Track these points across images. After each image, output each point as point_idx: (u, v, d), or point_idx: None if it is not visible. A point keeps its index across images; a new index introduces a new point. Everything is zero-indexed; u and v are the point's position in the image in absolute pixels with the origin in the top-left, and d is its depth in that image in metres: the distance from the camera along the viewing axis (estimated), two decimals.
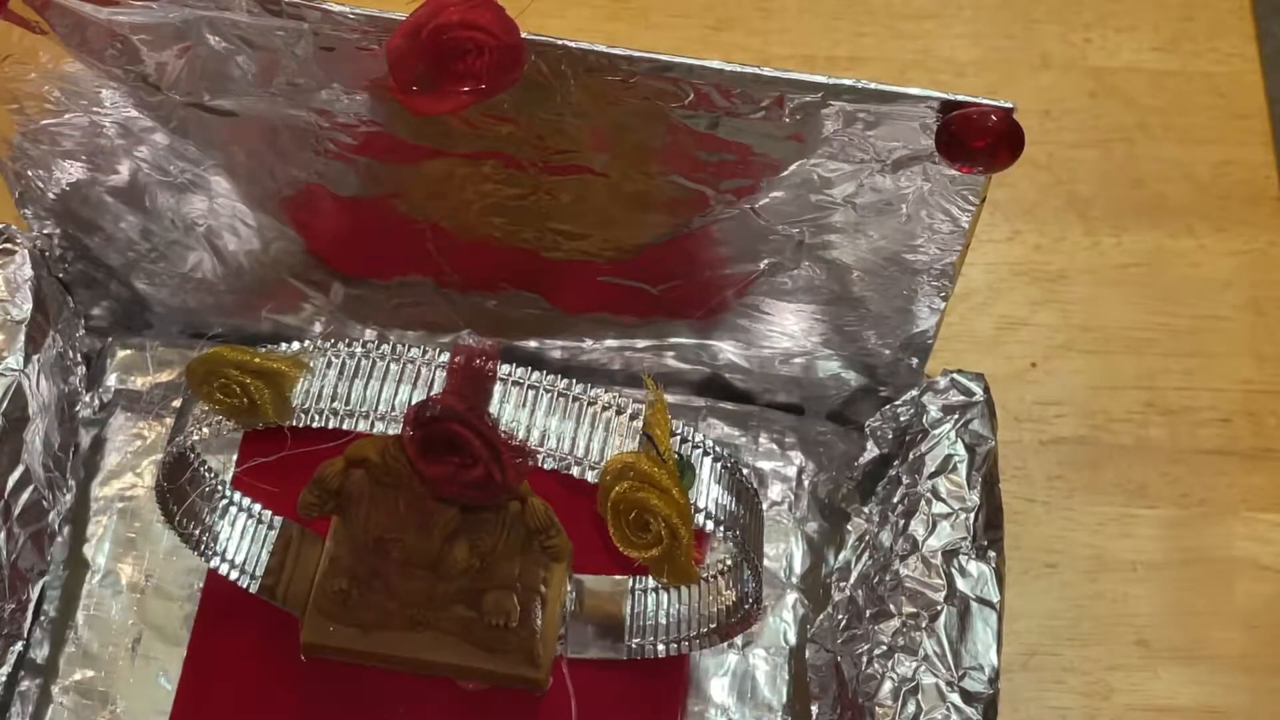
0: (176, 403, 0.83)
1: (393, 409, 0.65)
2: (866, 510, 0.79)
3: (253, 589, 0.76)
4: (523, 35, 0.63)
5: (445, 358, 0.66)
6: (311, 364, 0.66)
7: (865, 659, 0.72)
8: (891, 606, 0.73)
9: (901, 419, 0.79)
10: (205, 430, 0.67)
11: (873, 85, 0.64)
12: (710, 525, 0.65)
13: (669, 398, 0.79)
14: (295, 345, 0.67)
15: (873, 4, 0.98)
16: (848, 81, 0.64)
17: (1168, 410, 0.87)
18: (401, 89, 0.63)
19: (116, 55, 0.69)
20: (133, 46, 0.68)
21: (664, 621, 0.76)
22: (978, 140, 0.64)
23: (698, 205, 0.71)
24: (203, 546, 0.75)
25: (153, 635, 0.78)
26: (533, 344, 0.83)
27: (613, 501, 0.63)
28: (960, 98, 0.64)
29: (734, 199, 0.71)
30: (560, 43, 0.64)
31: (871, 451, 0.80)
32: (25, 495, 0.77)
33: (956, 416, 0.77)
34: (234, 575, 0.76)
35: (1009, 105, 0.63)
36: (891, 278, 0.74)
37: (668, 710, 0.77)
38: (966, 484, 0.75)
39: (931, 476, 0.75)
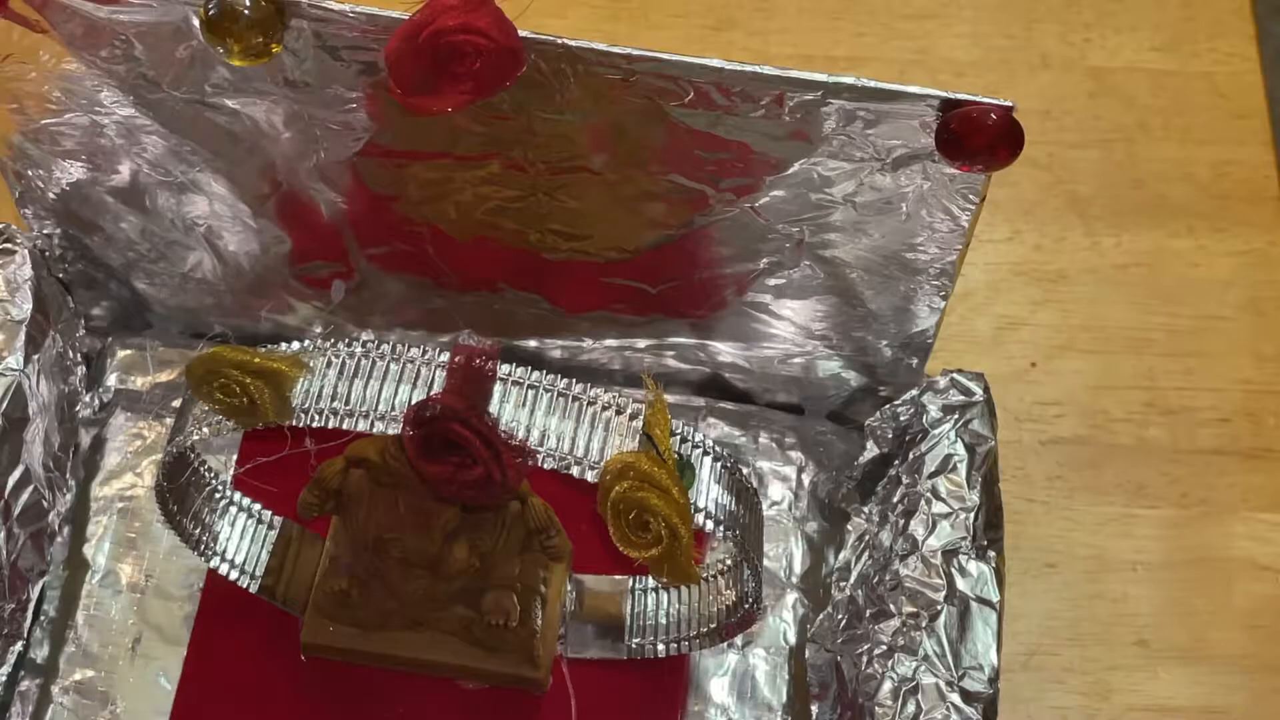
0: (176, 403, 0.83)
1: (392, 409, 0.65)
2: (866, 510, 0.79)
3: (253, 589, 0.76)
4: (522, 34, 0.63)
5: (445, 358, 0.66)
6: (311, 364, 0.66)
7: (865, 659, 0.72)
8: (891, 606, 0.73)
9: (901, 419, 0.79)
10: (205, 430, 0.67)
11: (872, 83, 0.64)
12: (710, 525, 0.65)
13: (669, 398, 0.79)
14: (295, 345, 0.67)
15: (873, 4, 0.98)
16: (848, 79, 0.64)
17: (1168, 410, 0.87)
18: (400, 90, 0.63)
19: (116, 54, 0.69)
20: (132, 46, 0.68)
21: (664, 621, 0.76)
22: (977, 139, 0.64)
23: (698, 205, 0.71)
24: (203, 546, 0.75)
25: (153, 635, 0.78)
26: (533, 344, 0.83)
27: (613, 501, 0.63)
28: (960, 96, 0.64)
29: (734, 198, 0.71)
30: (560, 41, 0.64)
31: (871, 451, 0.80)
32: (25, 495, 0.77)
33: (956, 416, 0.77)
34: (234, 575, 0.76)
35: (1009, 104, 0.63)
36: (891, 277, 0.74)
37: (668, 710, 0.77)
38: (966, 484, 0.75)
39: (931, 476, 0.75)
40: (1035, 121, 0.94)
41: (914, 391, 0.79)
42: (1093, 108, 0.95)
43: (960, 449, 0.76)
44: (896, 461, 0.79)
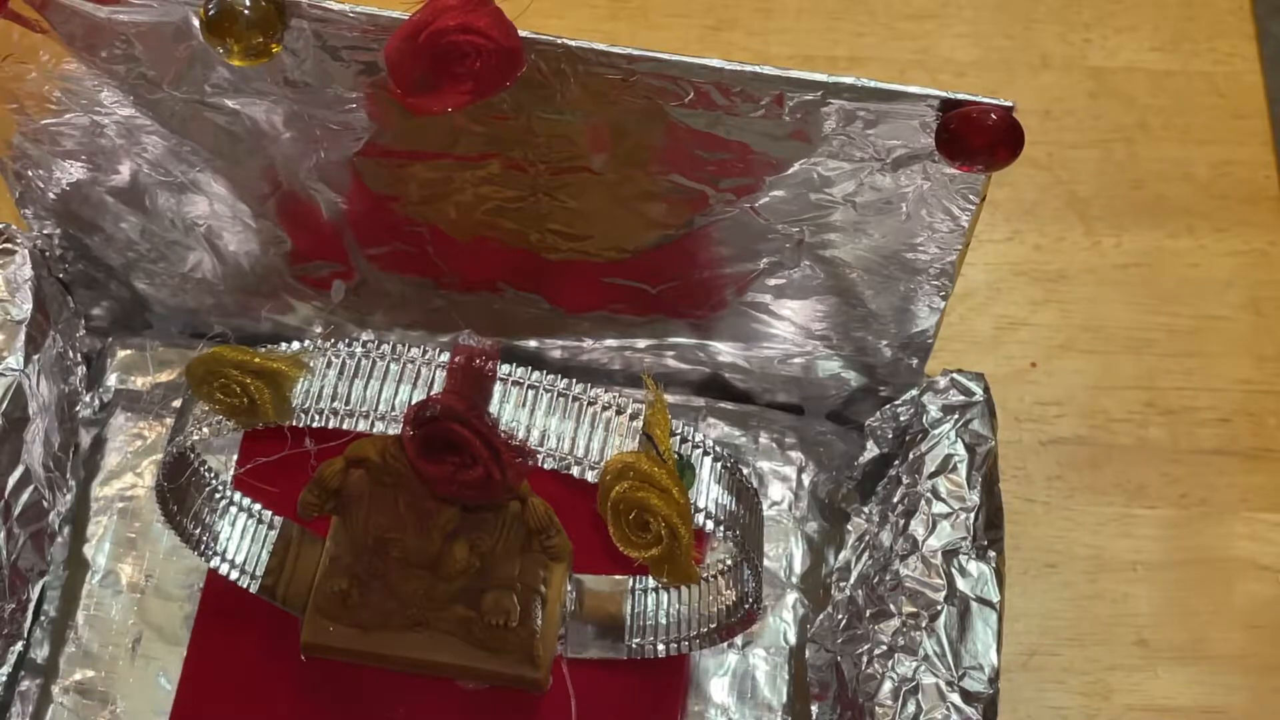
0: (176, 403, 0.83)
1: (393, 409, 0.65)
2: (866, 510, 0.79)
3: (253, 589, 0.76)
4: (522, 34, 0.63)
5: (445, 358, 0.66)
6: (311, 364, 0.66)
7: (865, 659, 0.72)
8: (891, 606, 0.73)
9: (901, 419, 0.79)
10: (205, 430, 0.67)
11: (872, 83, 0.64)
12: (710, 525, 0.65)
13: (669, 398, 0.79)
14: (295, 345, 0.67)
15: (873, 4, 0.98)
16: (848, 80, 0.64)
17: (1168, 410, 0.87)
18: (400, 90, 0.63)
19: (116, 54, 0.69)
20: (132, 45, 0.68)
21: (664, 621, 0.76)
22: (977, 139, 0.64)
23: (697, 205, 0.71)
24: (203, 546, 0.75)
25: (153, 635, 0.78)
26: (533, 344, 0.83)
27: (613, 501, 0.63)
28: (960, 96, 0.64)
29: (734, 198, 0.71)
30: (560, 41, 0.64)
31: (871, 451, 0.80)
32: (25, 495, 0.77)
33: (956, 416, 0.77)
34: (234, 575, 0.76)
35: (1009, 104, 0.63)
36: (891, 277, 0.74)
37: (668, 710, 0.76)
38: (966, 484, 0.75)
39: (931, 476, 0.75)
40: (1035, 121, 0.94)
41: (914, 391, 0.79)
42: (1093, 108, 0.95)
43: (960, 449, 0.76)
44: (896, 461, 0.79)
